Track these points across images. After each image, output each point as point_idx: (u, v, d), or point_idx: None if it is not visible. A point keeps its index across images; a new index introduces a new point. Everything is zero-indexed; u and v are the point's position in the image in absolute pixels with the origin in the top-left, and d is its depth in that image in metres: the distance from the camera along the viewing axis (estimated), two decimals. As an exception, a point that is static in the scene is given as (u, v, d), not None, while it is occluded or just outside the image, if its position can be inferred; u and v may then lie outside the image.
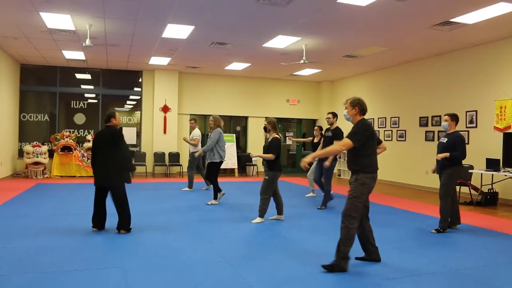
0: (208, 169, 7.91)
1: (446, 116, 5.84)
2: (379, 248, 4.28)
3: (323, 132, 8.79)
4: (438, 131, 10.24)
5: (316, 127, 9.28)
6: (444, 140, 5.78)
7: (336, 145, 4.08)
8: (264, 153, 6.22)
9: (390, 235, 5.46)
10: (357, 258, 4.19)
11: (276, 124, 6.28)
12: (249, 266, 4.07)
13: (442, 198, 5.68)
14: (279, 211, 6.37)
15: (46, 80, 12.99)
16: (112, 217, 5.45)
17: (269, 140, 6.20)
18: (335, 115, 7.72)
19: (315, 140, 9.00)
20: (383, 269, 4.03)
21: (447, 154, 5.64)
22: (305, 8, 6.96)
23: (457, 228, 5.89)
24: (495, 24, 7.60)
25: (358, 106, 4.09)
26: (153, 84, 13.51)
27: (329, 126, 7.74)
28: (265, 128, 6.32)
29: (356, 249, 4.17)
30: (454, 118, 5.81)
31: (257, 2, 6.72)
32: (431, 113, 10.54)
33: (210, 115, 8.32)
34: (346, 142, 3.97)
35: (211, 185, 9.24)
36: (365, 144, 3.97)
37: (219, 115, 8.26)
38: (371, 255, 4.22)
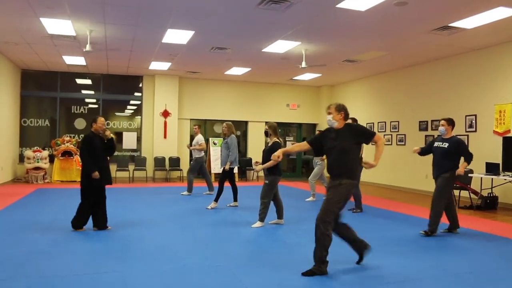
0: (223, 173, 7.87)
1: (443, 121, 5.87)
2: (380, 251, 4.28)
3: None
4: (438, 136, 10.21)
5: (317, 132, 9.34)
6: (445, 145, 5.74)
7: (382, 144, 4.08)
8: (264, 157, 6.24)
9: (390, 239, 5.45)
10: (357, 263, 4.19)
11: (276, 129, 6.31)
12: (248, 271, 4.06)
13: (436, 202, 5.66)
14: (279, 215, 6.37)
15: (47, 85, 13.01)
16: (114, 219, 5.47)
17: (269, 145, 6.22)
18: (355, 120, 7.73)
19: None
20: (383, 273, 4.03)
21: (465, 165, 5.67)
22: (305, 13, 6.98)
23: (457, 232, 5.89)
24: (495, 29, 7.62)
25: (344, 111, 4.12)
26: (153, 89, 13.54)
27: None
28: (266, 133, 6.36)
29: (353, 255, 4.17)
30: (451, 122, 5.85)
31: (256, 7, 6.75)
32: (430, 117, 10.55)
33: (210, 120, 8.33)
34: (380, 136, 4.15)
35: (213, 191, 9.36)
36: (357, 147, 4.09)
37: (218, 120, 8.28)
38: (361, 247, 4.16)
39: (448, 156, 5.68)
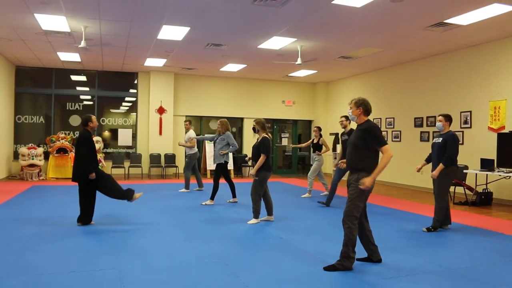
0: (217, 170, 7.89)
1: (440, 117, 5.91)
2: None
3: (340, 135, 8.94)
4: (433, 132, 10.28)
5: (315, 128, 9.37)
6: (439, 139, 5.84)
7: (386, 158, 3.96)
8: (253, 153, 6.26)
9: (386, 235, 5.48)
10: (358, 259, 4.20)
11: (265, 124, 6.30)
12: (245, 266, 4.07)
13: (438, 198, 5.73)
14: (269, 212, 6.36)
15: (42, 82, 12.94)
16: (110, 216, 5.45)
17: (258, 140, 6.22)
18: (348, 118, 7.78)
19: (315, 141, 9.08)
20: (379, 268, 4.05)
21: (441, 168, 5.67)
22: (300, 9, 6.98)
23: (448, 228, 5.93)
24: (490, 25, 7.64)
25: (363, 106, 4.14)
26: (148, 85, 13.48)
27: (343, 129, 7.89)
28: (254, 129, 6.37)
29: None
30: (448, 118, 5.88)
31: (252, 3, 6.73)
32: (426, 113, 10.59)
33: (205, 117, 8.33)
34: (387, 148, 3.96)
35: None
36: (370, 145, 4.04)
37: (213, 116, 8.29)
38: (373, 254, 4.23)
39: (443, 151, 5.72)
